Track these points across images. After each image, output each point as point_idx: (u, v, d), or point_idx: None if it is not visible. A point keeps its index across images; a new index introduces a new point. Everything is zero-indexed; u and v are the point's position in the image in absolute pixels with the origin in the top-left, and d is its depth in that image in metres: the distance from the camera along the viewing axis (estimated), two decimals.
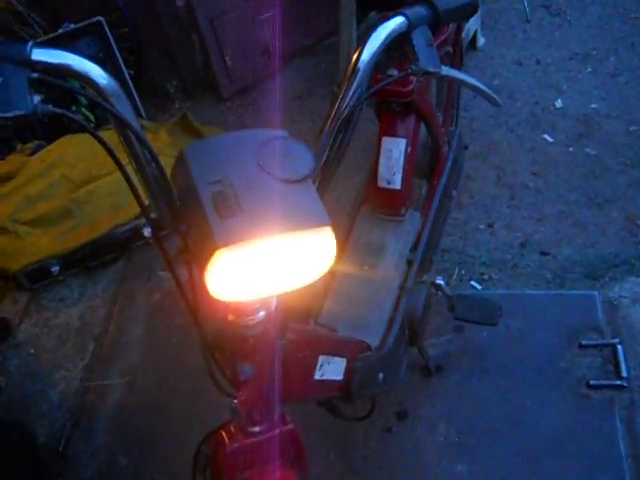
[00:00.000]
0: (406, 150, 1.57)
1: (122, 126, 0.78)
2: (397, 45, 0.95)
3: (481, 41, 2.78)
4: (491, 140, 2.45)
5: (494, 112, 2.54)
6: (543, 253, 2.09)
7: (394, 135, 1.57)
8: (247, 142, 0.78)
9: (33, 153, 2.32)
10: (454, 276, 2.08)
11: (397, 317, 1.48)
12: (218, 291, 0.75)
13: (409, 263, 1.58)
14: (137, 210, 2.25)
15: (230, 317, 0.88)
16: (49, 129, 2.43)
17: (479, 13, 2.69)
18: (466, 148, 1.93)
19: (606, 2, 2.98)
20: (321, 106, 2.72)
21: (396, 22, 0.93)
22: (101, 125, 2.45)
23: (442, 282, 1.72)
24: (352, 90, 0.88)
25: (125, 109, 0.81)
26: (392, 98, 1.48)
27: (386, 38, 0.91)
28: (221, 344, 0.93)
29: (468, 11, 1.11)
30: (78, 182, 2.26)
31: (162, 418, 1.86)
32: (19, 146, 2.37)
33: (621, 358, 1.79)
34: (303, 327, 1.08)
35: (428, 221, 1.65)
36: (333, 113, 0.90)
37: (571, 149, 2.37)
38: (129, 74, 2.61)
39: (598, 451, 1.64)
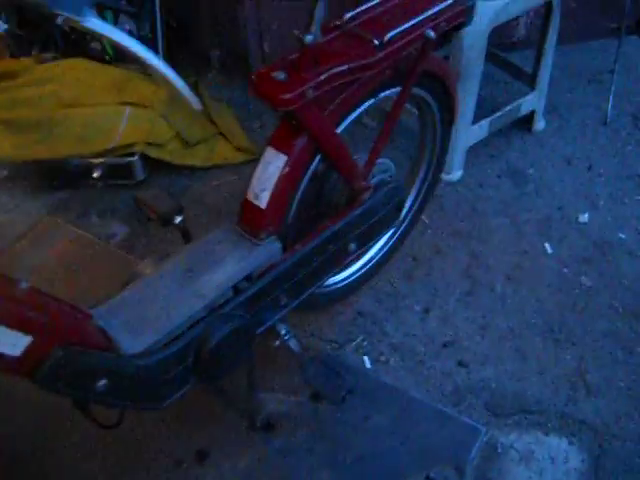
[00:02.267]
0: (283, 168, 1.36)
1: None
2: None
3: (540, 125, 2.45)
4: (487, 225, 2.14)
5: (507, 199, 2.22)
6: (460, 363, 1.78)
7: (277, 148, 1.37)
8: None
9: (43, 62, 2.33)
10: (353, 343, 1.82)
11: (185, 336, 1.28)
12: None
13: (235, 291, 1.37)
14: (98, 149, 2.20)
15: None
16: (71, 47, 2.43)
17: (544, 92, 2.36)
18: (399, 210, 1.66)
19: None
20: None
21: None
22: (119, 61, 2.42)
23: (284, 331, 1.49)
24: None
25: None
26: (268, 100, 1.27)
27: None
28: None
29: None
30: (65, 102, 2.23)
31: None
32: (35, 52, 2.39)
33: None
34: None
35: (291, 260, 1.43)
36: None
37: (566, 270, 2.00)
38: (168, 23, 2.57)
39: None
